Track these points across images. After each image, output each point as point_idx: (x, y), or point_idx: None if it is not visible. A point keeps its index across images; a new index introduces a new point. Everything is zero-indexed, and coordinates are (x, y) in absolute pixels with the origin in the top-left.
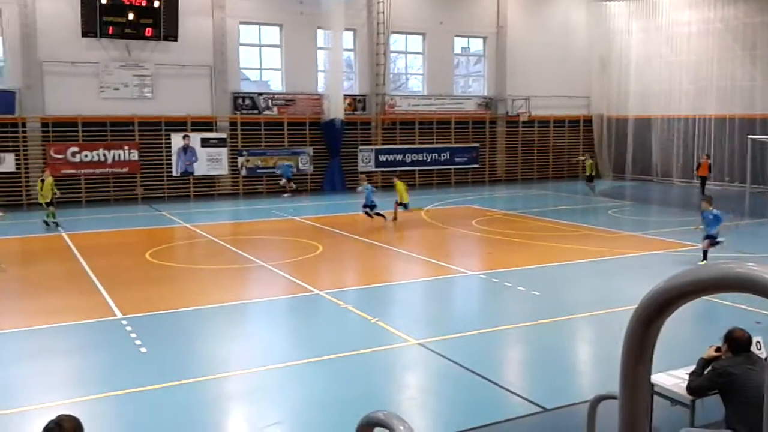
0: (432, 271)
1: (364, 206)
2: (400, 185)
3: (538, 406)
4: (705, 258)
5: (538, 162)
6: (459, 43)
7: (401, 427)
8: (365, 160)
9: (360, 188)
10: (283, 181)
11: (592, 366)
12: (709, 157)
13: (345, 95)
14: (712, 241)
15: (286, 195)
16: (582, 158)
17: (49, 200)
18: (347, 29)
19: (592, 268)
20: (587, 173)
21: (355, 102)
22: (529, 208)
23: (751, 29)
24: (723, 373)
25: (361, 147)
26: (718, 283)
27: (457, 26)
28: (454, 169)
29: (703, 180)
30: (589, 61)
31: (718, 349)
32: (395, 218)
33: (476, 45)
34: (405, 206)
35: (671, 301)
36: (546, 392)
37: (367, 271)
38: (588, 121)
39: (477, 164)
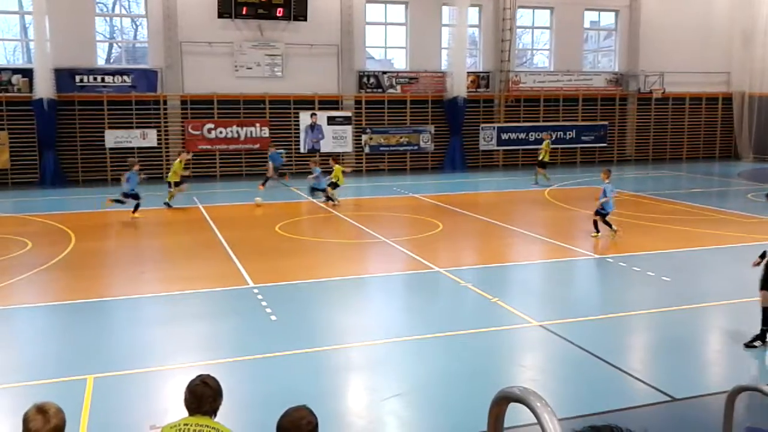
0: (556, 253)
1: (314, 189)
2: (338, 169)
3: (667, 395)
4: (597, 230)
5: (672, 141)
6: (589, 16)
7: (538, 404)
8: (487, 138)
9: (313, 175)
10: (270, 171)
11: (725, 357)
12: None
13: (468, 72)
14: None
15: (273, 179)
16: (547, 140)
17: (177, 180)
18: (472, 5)
19: (728, 254)
20: (540, 158)
21: (479, 79)
22: (661, 190)
23: None
24: None
25: (483, 125)
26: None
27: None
28: (581, 147)
29: None
30: (731, 33)
31: None
32: (329, 200)
33: (607, 19)
34: (334, 185)
35: None
36: (674, 381)
37: (487, 251)
38: (727, 98)
39: (605, 143)
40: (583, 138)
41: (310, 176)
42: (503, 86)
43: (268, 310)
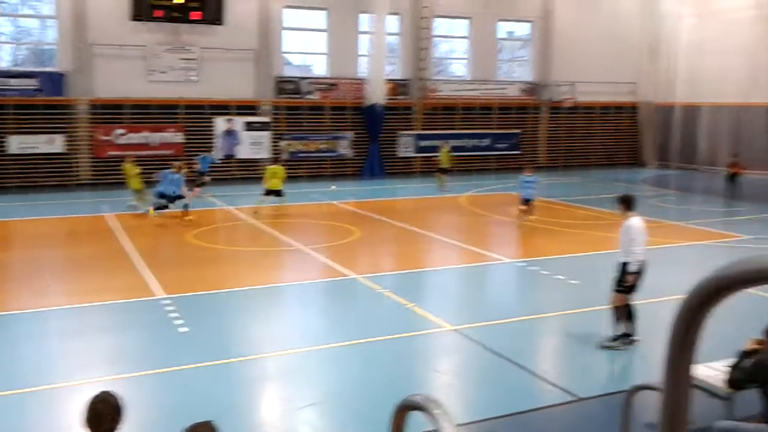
0: (470, 258)
1: (161, 195)
2: (280, 171)
3: (573, 395)
4: (528, 213)
5: (582, 149)
6: (504, 27)
7: (437, 411)
8: (405, 145)
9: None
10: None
11: (630, 357)
12: (736, 155)
13: (387, 80)
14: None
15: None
16: (445, 149)
17: (140, 187)
18: (391, 13)
19: None
20: (442, 165)
21: (397, 87)
22: (571, 196)
23: None
24: (763, 366)
25: (401, 132)
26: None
27: (503, 10)
28: (495, 155)
29: (734, 176)
30: (638, 46)
31: (759, 342)
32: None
33: (522, 29)
34: (277, 193)
35: (720, 291)
36: (581, 382)
37: (404, 257)
38: (634, 108)
39: (518, 150)
40: (497, 146)
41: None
42: (421, 94)
43: (179, 322)
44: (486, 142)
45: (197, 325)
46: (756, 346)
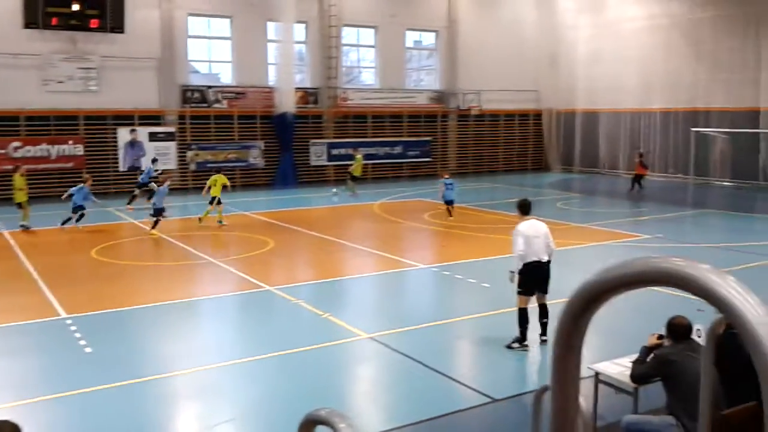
0: (384, 265)
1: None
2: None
3: (488, 396)
4: (450, 214)
5: (489, 155)
6: (412, 36)
7: (342, 425)
8: (317, 153)
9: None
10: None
11: (541, 356)
12: (641, 156)
13: (296, 88)
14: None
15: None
16: (359, 156)
17: (25, 200)
18: (299, 22)
19: None
20: (354, 173)
21: (307, 95)
22: (481, 201)
23: (695, 25)
24: (664, 360)
25: (312, 141)
26: (644, 278)
27: (409, 20)
28: (407, 162)
29: (640, 177)
30: (539, 55)
31: (660, 337)
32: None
33: (429, 39)
34: (213, 201)
35: (600, 296)
36: (495, 383)
37: (318, 266)
38: (538, 115)
39: (429, 158)
40: (408, 153)
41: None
42: (331, 103)
43: (82, 342)
44: (398, 149)
45: (103, 345)
46: (657, 341)
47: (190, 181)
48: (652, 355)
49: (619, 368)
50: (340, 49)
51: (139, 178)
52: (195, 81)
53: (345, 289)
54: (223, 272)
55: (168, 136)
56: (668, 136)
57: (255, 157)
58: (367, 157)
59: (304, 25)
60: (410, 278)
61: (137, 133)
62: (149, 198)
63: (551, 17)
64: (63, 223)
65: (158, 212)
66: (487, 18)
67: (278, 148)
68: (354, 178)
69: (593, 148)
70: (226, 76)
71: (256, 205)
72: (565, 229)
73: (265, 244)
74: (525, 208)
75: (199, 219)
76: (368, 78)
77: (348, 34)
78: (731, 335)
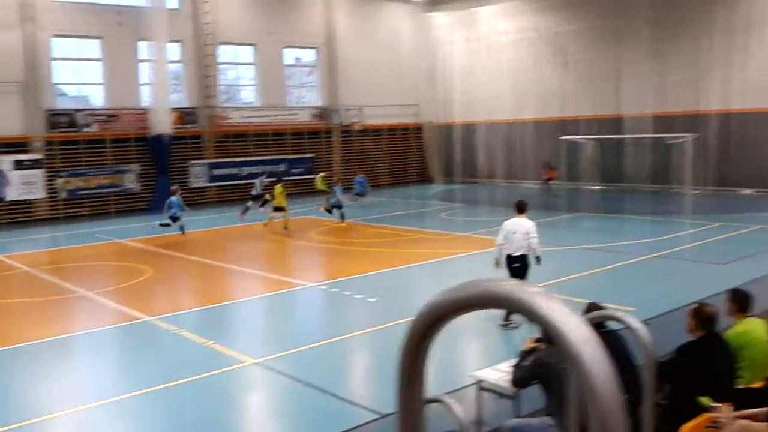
0: (270, 286)
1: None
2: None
3: (377, 413)
4: (342, 219)
5: (374, 170)
6: (292, 53)
7: None
8: (197, 175)
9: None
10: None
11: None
12: (549, 163)
13: (173, 108)
14: (336, 204)
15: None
16: (321, 175)
17: None
18: (173, 40)
19: (428, 270)
20: (321, 188)
21: (185, 115)
22: (366, 216)
23: (562, 38)
24: (540, 363)
25: (192, 162)
26: (480, 301)
27: (288, 37)
28: (292, 180)
29: (548, 180)
30: (417, 70)
31: (537, 341)
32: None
33: (309, 56)
34: (174, 220)
35: (440, 319)
36: (385, 399)
37: (201, 292)
38: (418, 128)
39: (313, 174)
40: (293, 171)
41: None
42: (210, 122)
43: None
44: (281, 167)
45: None
46: (534, 345)
47: (61, 210)
48: (530, 358)
49: (500, 374)
50: (216, 67)
51: (252, 192)
52: (63, 104)
53: (229, 314)
54: (98, 306)
55: (35, 164)
56: (542, 144)
57: (130, 181)
58: (250, 176)
59: (179, 44)
60: (297, 298)
61: (0, 161)
62: (262, 206)
63: (427, 33)
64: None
65: (174, 220)
66: (366, 34)
67: (155, 172)
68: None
69: (473, 158)
70: (96, 99)
71: (132, 232)
72: (449, 238)
73: (142, 273)
74: (518, 207)
75: (264, 224)
76: (248, 96)
77: (225, 52)
78: (601, 334)
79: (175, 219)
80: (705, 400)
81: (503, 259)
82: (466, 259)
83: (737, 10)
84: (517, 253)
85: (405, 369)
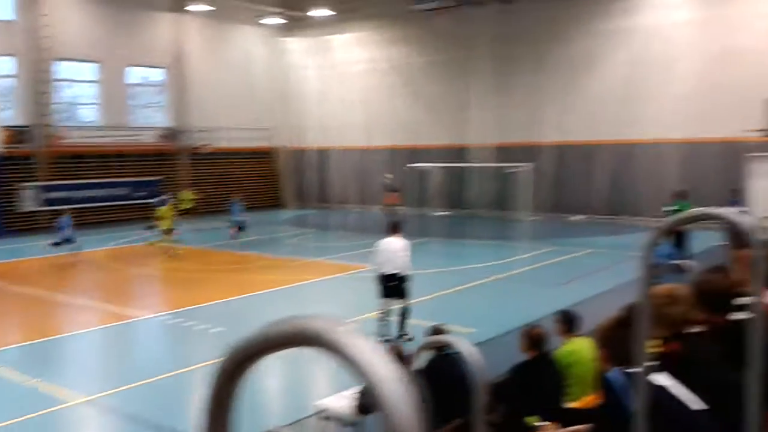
0: (107, 318)
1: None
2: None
3: None
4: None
5: (225, 194)
6: (139, 72)
7: None
8: (28, 198)
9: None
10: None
11: (272, 395)
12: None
13: (3, 127)
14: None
15: None
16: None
17: None
18: (5, 54)
19: (278, 297)
20: (187, 206)
21: (16, 134)
22: (215, 242)
23: (411, 69)
24: None
25: (23, 184)
26: (288, 340)
27: (134, 55)
28: (136, 204)
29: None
30: (271, 94)
31: None
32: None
33: (157, 75)
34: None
35: (250, 358)
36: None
37: (28, 326)
38: (272, 152)
39: (158, 198)
40: (136, 195)
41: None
42: (45, 142)
43: None
44: (124, 191)
45: None
46: None
47: None
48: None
49: (344, 401)
50: (52, 84)
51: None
52: None
53: (59, 350)
54: None
55: None
56: (393, 171)
57: None
58: (88, 199)
59: (12, 58)
60: (136, 330)
61: None
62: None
63: (281, 57)
64: None
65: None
66: (217, 55)
67: None
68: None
69: (326, 184)
70: None
71: None
72: (301, 265)
73: None
74: (393, 227)
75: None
76: (90, 115)
77: (64, 69)
78: (440, 357)
79: (66, 240)
80: (532, 420)
81: (379, 278)
82: (317, 285)
83: (570, 48)
84: (393, 272)
85: (212, 411)
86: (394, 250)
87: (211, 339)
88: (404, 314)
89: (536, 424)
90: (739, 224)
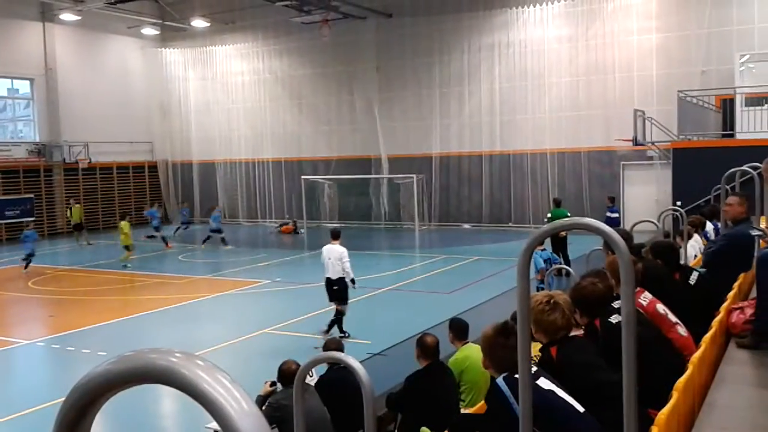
0: None
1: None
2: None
3: None
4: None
5: (104, 210)
6: (4, 84)
7: None
8: None
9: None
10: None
11: (163, 417)
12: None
13: None
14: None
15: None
16: (70, 205)
17: None
18: None
19: (166, 317)
20: (75, 220)
21: None
22: (97, 261)
23: (296, 81)
24: (277, 407)
25: None
26: (137, 377)
27: None
28: (6, 224)
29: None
30: (150, 106)
31: (273, 384)
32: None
33: (24, 87)
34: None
35: (99, 395)
36: None
37: None
38: (153, 166)
39: (33, 217)
40: (7, 213)
41: None
42: None
43: None
44: None
45: None
46: (270, 389)
47: None
48: (266, 403)
49: None
50: None
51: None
52: None
53: None
54: None
55: None
56: (282, 184)
57: None
58: None
59: None
60: (9, 358)
61: None
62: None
63: (160, 69)
64: None
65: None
66: (91, 66)
67: None
68: (79, 226)
69: (212, 198)
70: None
71: None
72: (188, 282)
73: None
74: (333, 234)
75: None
76: None
77: None
78: (339, 368)
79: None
80: (425, 430)
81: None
82: (206, 302)
83: (451, 62)
84: (335, 277)
85: None
86: (332, 256)
87: (93, 363)
88: (338, 315)
89: None
90: (607, 233)
